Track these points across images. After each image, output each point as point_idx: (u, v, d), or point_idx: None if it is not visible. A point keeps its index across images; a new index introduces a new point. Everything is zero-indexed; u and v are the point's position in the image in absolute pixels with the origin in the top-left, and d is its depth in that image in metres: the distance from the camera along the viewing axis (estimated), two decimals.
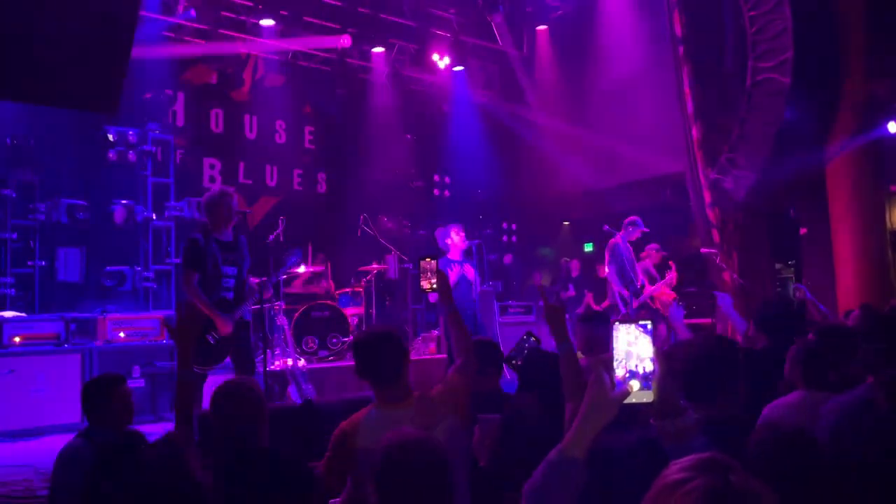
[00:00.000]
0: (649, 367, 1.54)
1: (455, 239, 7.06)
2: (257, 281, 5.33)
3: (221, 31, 9.34)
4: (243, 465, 2.30)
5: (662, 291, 8.77)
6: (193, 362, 5.05)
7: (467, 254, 7.15)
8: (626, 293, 7.76)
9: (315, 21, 10.04)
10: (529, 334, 3.46)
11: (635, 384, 1.53)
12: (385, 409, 2.56)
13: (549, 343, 8.03)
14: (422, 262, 2.69)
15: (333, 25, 10.20)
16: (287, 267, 5.45)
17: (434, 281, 2.69)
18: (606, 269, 7.83)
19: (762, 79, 7.85)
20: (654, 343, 1.54)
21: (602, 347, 3.87)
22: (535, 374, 2.81)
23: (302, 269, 8.52)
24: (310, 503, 2.31)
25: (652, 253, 8.96)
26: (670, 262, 9.01)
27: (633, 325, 1.56)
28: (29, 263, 7.71)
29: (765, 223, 8.96)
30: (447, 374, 2.83)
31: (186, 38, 9.51)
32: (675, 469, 1.10)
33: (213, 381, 5.77)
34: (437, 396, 2.65)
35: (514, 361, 3.25)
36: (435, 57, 10.79)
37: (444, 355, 7.46)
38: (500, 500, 2.50)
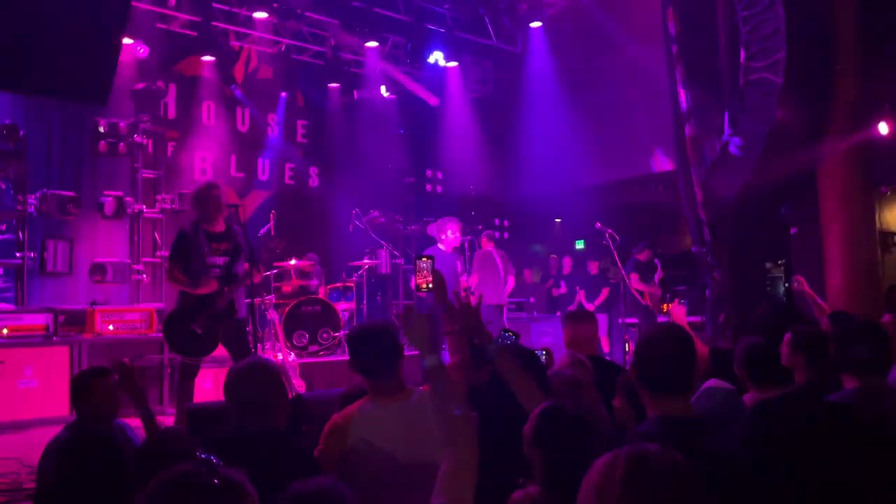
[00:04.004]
0: None
1: (450, 234, 7.10)
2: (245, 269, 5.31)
3: (214, 23, 9.28)
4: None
5: (651, 289, 8.85)
6: (183, 353, 5.07)
7: (459, 249, 7.18)
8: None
9: (309, 14, 9.99)
10: (506, 330, 3.47)
11: None
12: (379, 403, 2.57)
13: (531, 340, 8.00)
14: (417, 261, 2.70)
15: (327, 19, 10.16)
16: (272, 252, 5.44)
17: (430, 279, 2.70)
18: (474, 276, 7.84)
19: (755, 78, 7.88)
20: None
21: (588, 346, 3.90)
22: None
23: (293, 262, 8.49)
24: None
25: (643, 250, 9.05)
26: (656, 261, 9.09)
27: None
28: (18, 255, 7.64)
29: (755, 222, 9.01)
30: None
31: (178, 30, 9.44)
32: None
33: (203, 375, 5.76)
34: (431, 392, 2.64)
35: None
36: (430, 53, 10.76)
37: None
38: (481, 494, 2.50)
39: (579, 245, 12.42)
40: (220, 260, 5.19)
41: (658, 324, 2.29)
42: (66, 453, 2.90)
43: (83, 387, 3.22)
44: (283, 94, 10.86)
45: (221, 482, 1.25)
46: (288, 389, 6.09)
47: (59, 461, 2.88)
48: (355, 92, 11.20)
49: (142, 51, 8.65)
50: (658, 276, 9.02)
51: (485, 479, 2.52)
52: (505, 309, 7.90)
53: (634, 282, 8.82)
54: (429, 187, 11.69)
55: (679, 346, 2.17)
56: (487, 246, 8.07)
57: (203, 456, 1.32)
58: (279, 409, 2.54)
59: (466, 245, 7.22)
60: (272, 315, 7.23)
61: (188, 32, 9.37)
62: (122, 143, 8.23)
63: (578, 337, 3.84)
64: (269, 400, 2.51)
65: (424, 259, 2.60)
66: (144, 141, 8.56)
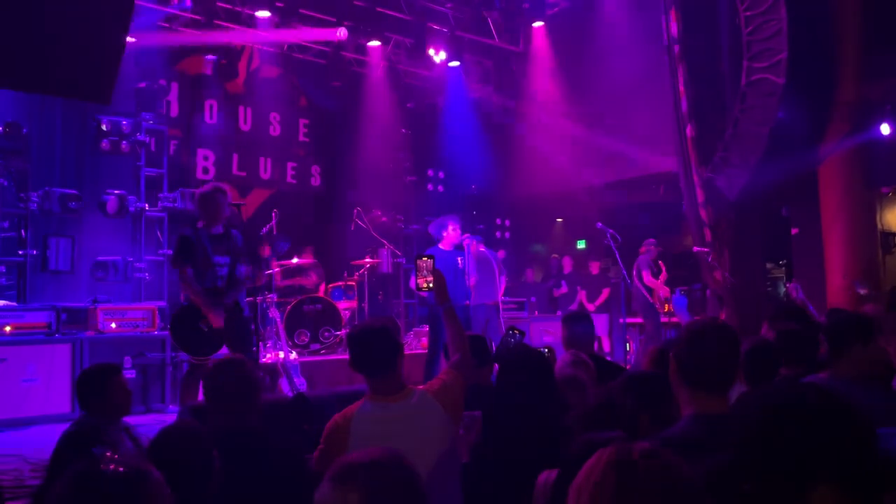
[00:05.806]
0: None
1: (450, 231, 7.13)
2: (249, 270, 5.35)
3: (217, 21, 9.29)
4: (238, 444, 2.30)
5: (660, 287, 8.88)
6: (190, 352, 5.08)
7: (459, 247, 7.21)
8: None
9: (311, 13, 10.00)
10: (513, 328, 3.48)
11: None
12: (378, 402, 2.58)
13: (532, 339, 8.01)
14: (418, 261, 2.70)
15: (329, 18, 10.16)
16: (277, 252, 5.48)
17: (430, 279, 2.71)
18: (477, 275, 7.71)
19: (756, 79, 7.88)
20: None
21: (584, 345, 3.94)
22: (514, 368, 2.86)
23: (295, 260, 8.51)
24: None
25: (651, 248, 9.05)
26: (660, 263, 9.09)
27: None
28: (20, 252, 7.66)
29: (757, 222, 9.02)
30: (442, 369, 2.85)
31: (181, 28, 9.46)
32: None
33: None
34: (431, 391, 2.66)
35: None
36: (431, 52, 10.77)
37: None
38: (483, 495, 2.52)
39: (580, 245, 12.43)
40: (224, 259, 5.23)
41: (702, 320, 2.21)
42: (74, 449, 2.91)
43: (97, 383, 3.20)
44: (286, 93, 10.87)
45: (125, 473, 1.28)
46: (291, 388, 6.11)
47: (66, 457, 2.89)
48: (357, 91, 11.20)
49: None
50: (663, 276, 9.05)
51: (490, 476, 2.54)
52: (501, 308, 7.89)
53: (647, 278, 8.83)
54: (430, 186, 11.71)
55: (724, 344, 2.06)
56: (480, 246, 8.09)
57: (99, 452, 1.38)
58: (249, 407, 2.55)
59: (465, 244, 7.24)
60: (274, 313, 7.25)
61: (191, 31, 9.39)
62: (124, 142, 8.24)
63: (575, 337, 3.96)
64: (239, 398, 2.54)
65: (424, 258, 2.61)
66: (147, 139, 8.57)
